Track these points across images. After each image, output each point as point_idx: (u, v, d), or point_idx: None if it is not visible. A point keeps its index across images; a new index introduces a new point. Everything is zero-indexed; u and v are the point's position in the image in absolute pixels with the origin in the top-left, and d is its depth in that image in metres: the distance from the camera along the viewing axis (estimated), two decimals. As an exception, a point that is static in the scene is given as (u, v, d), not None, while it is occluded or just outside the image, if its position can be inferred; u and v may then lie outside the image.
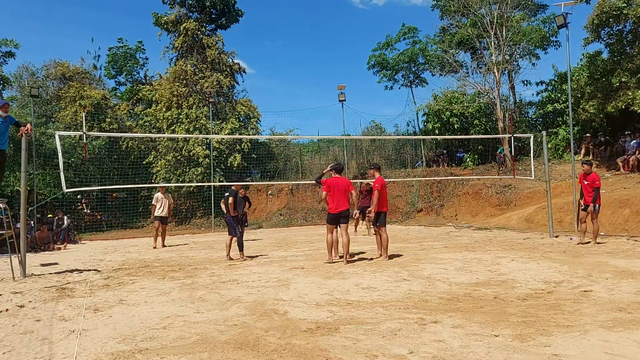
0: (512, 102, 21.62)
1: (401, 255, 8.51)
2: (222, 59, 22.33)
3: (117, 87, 28.92)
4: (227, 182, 17.68)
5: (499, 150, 19.66)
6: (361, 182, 14.88)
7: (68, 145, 19.02)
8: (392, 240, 8.56)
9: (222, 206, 9.27)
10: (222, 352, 3.53)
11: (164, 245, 12.26)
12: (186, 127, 20.39)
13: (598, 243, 9.23)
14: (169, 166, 20.41)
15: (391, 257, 8.26)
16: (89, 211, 19.52)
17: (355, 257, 8.51)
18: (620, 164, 15.07)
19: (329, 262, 7.83)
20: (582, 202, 9.53)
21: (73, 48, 70.77)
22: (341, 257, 8.08)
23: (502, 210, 16.12)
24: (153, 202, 12.45)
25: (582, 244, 9.26)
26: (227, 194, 9.01)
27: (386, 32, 29.38)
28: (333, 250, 8.02)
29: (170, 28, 22.39)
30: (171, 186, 19.42)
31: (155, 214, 12.32)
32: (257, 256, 9.38)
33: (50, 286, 6.43)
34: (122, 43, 28.09)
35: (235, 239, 8.95)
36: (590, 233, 9.44)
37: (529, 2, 20.47)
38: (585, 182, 9.43)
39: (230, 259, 8.88)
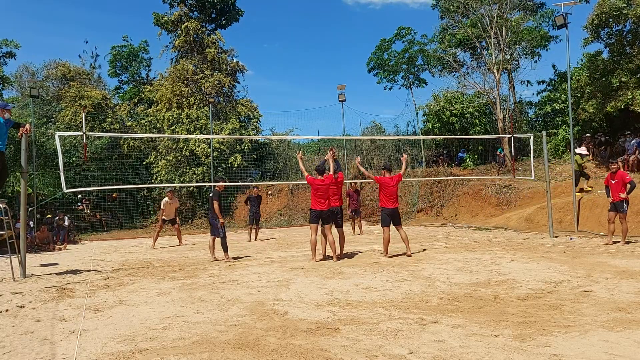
0: (512, 102, 21.64)
1: (401, 255, 8.51)
2: (222, 58, 22.37)
3: (121, 86, 29.01)
4: (229, 182, 17.71)
5: (498, 151, 19.66)
6: (351, 183, 14.98)
7: (69, 145, 19.02)
8: (392, 241, 8.60)
9: (216, 207, 9.01)
10: (222, 352, 3.53)
11: (180, 244, 12.59)
12: (187, 127, 20.41)
13: (627, 242, 9.13)
14: (169, 166, 20.42)
15: (391, 257, 8.32)
16: (89, 211, 19.53)
17: (351, 256, 8.53)
18: (620, 164, 15.05)
19: (312, 261, 7.97)
20: (610, 202, 9.41)
21: (73, 48, 71.06)
22: (328, 257, 8.26)
23: (502, 210, 16.11)
24: (162, 207, 12.54)
25: (609, 244, 9.16)
26: (210, 195, 9.00)
27: (385, 34, 29.45)
28: (319, 249, 8.22)
29: (171, 27, 22.44)
30: (174, 186, 19.46)
31: (163, 218, 12.60)
32: (256, 256, 9.38)
33: (50, 286, 6.43)
34: (127, 41, 28.19)
35: (218, 239, 8.97)
36: (608, 233, 9.45)
37: (528, 2, 20.47)
38: (613, 181, 9.31)
39: (216, 259, 8.89)
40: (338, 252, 8.50)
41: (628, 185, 9.18)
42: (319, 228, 8.22)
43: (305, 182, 8.39)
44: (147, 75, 28.88)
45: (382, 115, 67.71)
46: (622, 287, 5.30)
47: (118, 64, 28.18)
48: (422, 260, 7.87)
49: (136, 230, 19.06)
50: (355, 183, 15.45)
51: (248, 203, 13.64)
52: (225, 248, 8.96)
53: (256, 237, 13.38)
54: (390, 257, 8.27)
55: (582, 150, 14.69)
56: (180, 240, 12.73)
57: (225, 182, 13.36)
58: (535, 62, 21.24)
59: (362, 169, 8.77)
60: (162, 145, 21.02)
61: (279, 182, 21.03)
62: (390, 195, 8.28)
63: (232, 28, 24.10)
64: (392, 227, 8.44)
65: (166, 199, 12.53)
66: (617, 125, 17.45)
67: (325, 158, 8.72)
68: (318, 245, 8.25)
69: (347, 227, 14.25)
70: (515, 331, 3.82)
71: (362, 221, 14.61)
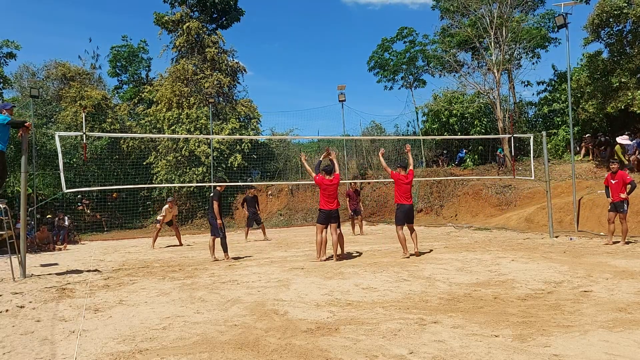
0: (512, 102, 21.64)
1: (405, 255, 8.50)
2: (222, 58, 22.38)
3: (121, 85, 29.03)
4: (229, 182, 17.74)
5: (498, 151, 19.66)
6: (350, 183, 15.00)
7: (69, 145, 19.02)
8: (392, 241, 8.61)
9: (215, 207, 8.93)
10: (222, 352, 3.53)
11: (181, 244, 12.66)
12: (187, 127, 20.42)
13: (627, 243, 9.11)
14: (169, 167, 20.43)
15: (409, 256, 8.25)
16: (89, 211, 19.53)
17: (353, 255, 8.53)
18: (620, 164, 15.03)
19: (317, 261, 8.02)
20: (610, 202, 9.37)
21: (73, 48, 70.99)
22: (329, 257, 8.27)
23: (502, 210, 16.11)
24: (163, 214, 12.64)
25: (609, 244, 9.13)
26: (211, 195, 9.03)
27: (384, 34, 29.38)
28: (322, 249, 8.23)
29: (171, 27, 22.45)
30: (173, 186, 19.49)
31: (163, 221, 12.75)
32: (257, 257, 9.38)
33: (50, 287, 6.43)
34: (126, 41, 28.21)
35: (218, 239, 9.00)
36: (608, 233, 9.47)
37: (528, 1, 20.47)
38: (613, 182, 9.26)
39: (216, 259, 8.90)
40: (338, 252, 8.53)
41: (629, 186, 9.15)
42: (322, 228, 8.28)
43: (313, 182, 8.46)
44: (146, 75, 28.91)
45: (382, 115, 67.76)
46: (622, 287, 5.30)
47: (118, 63, 28.21)
48: (422, 260, 7.87)
49: (136, 231, 19.06)
50: (355, 183, 15.44)
51: (245, 205, 13.56)
52: (225, 248, 8.98)
53: (264, 235, 13.44)
54: (409, 256, 8.17)
55: (624, 139, 13.32)
56: (180, 241, 12.76)
57: (226, 182, 13.45)
58: (534, 63, 21.26)
59: (383, 161, 8.90)
60: (162, 145, 21.02)
61: (279, 182, 21.03)
62: (404, 192, 8.40)
63: (232, 28, 24.15)
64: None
65: (167, 206, 12.65)
66: (617, 126, 17.44)
67: (329, 158, 8.73)
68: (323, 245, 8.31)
69: (346, 227, 14.27)
70: (515, 331, 3.82)
71: (362, 221, 14.63)
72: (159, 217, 13.04)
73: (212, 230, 9.11)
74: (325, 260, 8.13)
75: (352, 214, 14.03)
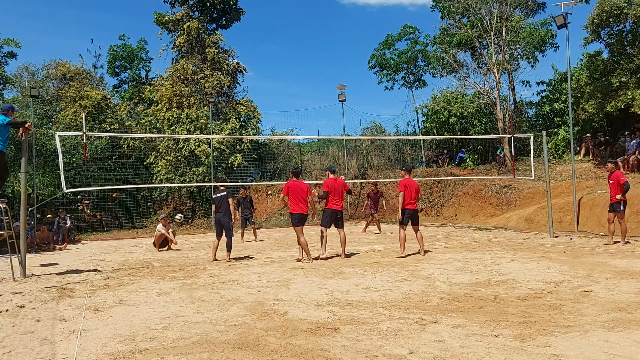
0: (512, 102, 21.63)
1: (401, 255, 8.50)
2: (223, 58, 22.39)
3: (120, 85, 29.03)
4: (229, 181, 17.73)
5: (498, 151, 19.66)
6: (369, 184, 15.10)
7: (69, 145, 19.02)
8: (392, 241, 8.62)
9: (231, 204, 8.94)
10: (222, 352, 3.54)
11: (173, 244, 12.06)
12: (187, 127, 20.41)
13: (627, 242, 9.13)
14: (169, 166, 20.43)
15: (406, 256, 8.29)
16: (89, 211, 19.53)
17: (350, 256, 8.54)
18: (620, 163, 15.04)
19: (309, 261, 8.10)
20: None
21: (73, 48, 71.02)
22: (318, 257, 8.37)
23: (502, 210, 16.11)
24: (156, 233, 11.66)
25: (609, 244, 9.13)
26: (215, 196, 9.04)
27: (383, 35, 29.39)
28: (318, 248, 8.44)
29: (171, 27, 22.45)
30: (173, 186, 19.46)
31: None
32: (257, 256, 9.38)
33: (50, 286, 6.43)
34: (124, 41, 28.21)
35: (221, 240, 9.00)
36: (608, 233, 9.49)
37: (529, 2, 20.47)
38: (610, 182, 9.34)
39: (216, 259, 8.90)
40: (338, 252, 8.61)
41: (625, 186, 9.22)
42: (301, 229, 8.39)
43: (312, 181, 8.61)
44: (146, 75, 28.91)
45: (382, 115, 67.78)
46: (622, 287, 5.30)
47: (117, 63, 28.22)
48: (422, 260, 7.88)
49: (136, 230, 19.06)
50: (376, 185, 15.36)
51: (239, 207, 13.32)
52: (229, 248, 8.96)
53: (255, 237, 13.41)
54: (405, 256, 8.21)
55: None
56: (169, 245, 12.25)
57: (227, 182, 13.35)
58: (532, 66, 21.24)
59: (401, 201, 8.62)
60: (162, 145, 21.02)
61: (279, 182, 21.02)
62: (410, 198, 8.51)
63: (232, 29, 24.13)
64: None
65: (160, 225, 11.64)
66: (617, 125, 17.44)
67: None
68: (321, 244, 8.44)
69: (355, 227, 14.26)
70: (515, 331, 3.82)
71: (379, 221, 14.71)
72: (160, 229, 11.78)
73: (225, 231, 8.94)
74: (315, 260, 8.18)
75: (372, 212, 14.17)
